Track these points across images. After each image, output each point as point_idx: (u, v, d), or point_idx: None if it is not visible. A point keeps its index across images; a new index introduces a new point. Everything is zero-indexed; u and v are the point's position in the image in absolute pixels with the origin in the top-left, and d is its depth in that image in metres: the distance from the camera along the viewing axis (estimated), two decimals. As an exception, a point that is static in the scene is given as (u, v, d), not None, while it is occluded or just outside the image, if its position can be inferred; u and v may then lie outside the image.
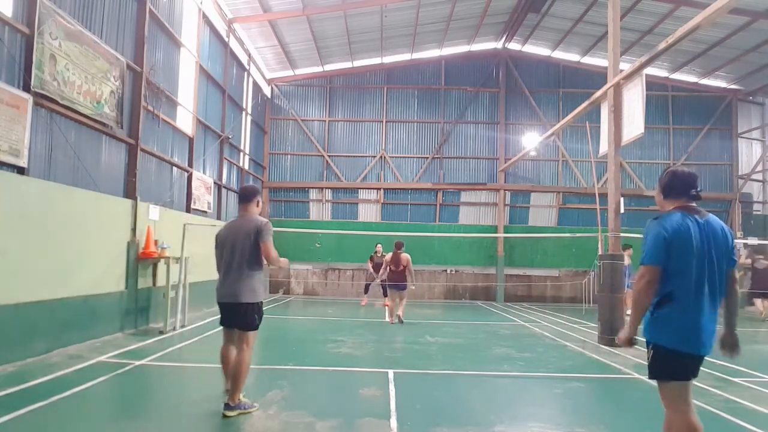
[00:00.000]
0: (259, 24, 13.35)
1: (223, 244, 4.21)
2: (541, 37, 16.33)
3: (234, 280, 4.08)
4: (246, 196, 4.29)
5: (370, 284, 13.46)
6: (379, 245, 13.20)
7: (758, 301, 13.07)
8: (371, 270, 13.16)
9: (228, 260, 4.13)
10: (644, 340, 2.86)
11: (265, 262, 4.18)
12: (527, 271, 16.67)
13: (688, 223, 2.79)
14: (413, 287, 10.70)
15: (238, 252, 4.08)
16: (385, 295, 12.85)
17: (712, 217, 2.89)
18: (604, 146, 9.11)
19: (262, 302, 4.19)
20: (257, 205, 4.30)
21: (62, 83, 6.34)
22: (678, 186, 2.94)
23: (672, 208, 2.93)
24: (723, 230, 2.86)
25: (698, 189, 2.92)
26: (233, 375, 4.04)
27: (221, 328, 4.33)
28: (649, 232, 2.85)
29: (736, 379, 5.70)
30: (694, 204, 2.90)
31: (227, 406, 3.97)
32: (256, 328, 4.16)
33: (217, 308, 4.32)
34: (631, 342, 2.89)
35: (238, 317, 4.09)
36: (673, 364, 2.77)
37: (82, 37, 6.69)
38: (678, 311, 2.74)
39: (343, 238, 16.00)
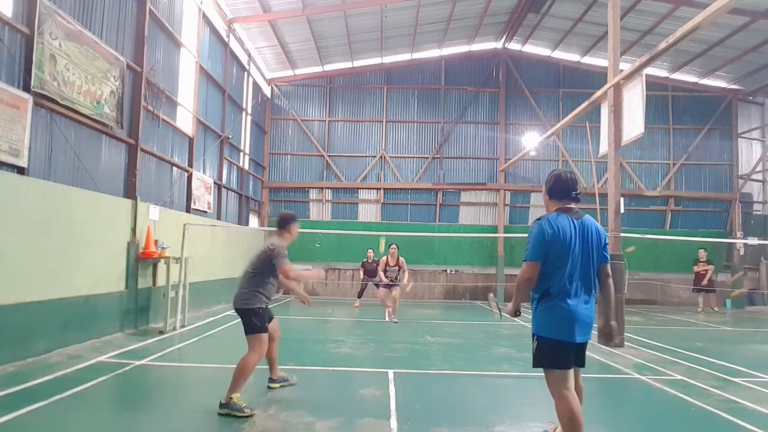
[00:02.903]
0: (259, 24, 13.35)
1: None
2: (541, 37, 16.32)
3: (238, 290, 4.47)
4: (279, 223, 4.74)
5: (364, 289, 13.48)
6: (370, 251, 13.16)
7: (701, 297, 14.40)
8: (363, 275, 13.19)
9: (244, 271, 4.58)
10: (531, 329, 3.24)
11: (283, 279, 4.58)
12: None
13: (565, 224, 3.15)
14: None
15: (250, 265, 4.50)
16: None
17: (587, 217, 3.28)
18: (604, 146, 9.11)
19: (257, 309, 4.37)
20: (290, 231, 4.71)
21: (62, 83, 6.34)
22: (559, 189, 3.29)
23: (555, 209, 3.28)
24: (597, 230, 3.26)
25: (577, 192, 3.28)
26: (235, 371, 4.18)
27: None
28: (532, 232, 3.19)
29: (736, 379, 5.70)
30: (572, 205, 3.27)
31: (220, 403, 4.05)
32: (253, 332, 4.33)
33: (216, 309, 4.42)
34: (516, 313, 3.36)
35: (241, 320, 4.39)
36: (554, 353, 3.11)
37: (82, 37, 6.70)
38: (555, 305, 3.09)
39: (343, 238, 15.99)
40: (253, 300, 4.35)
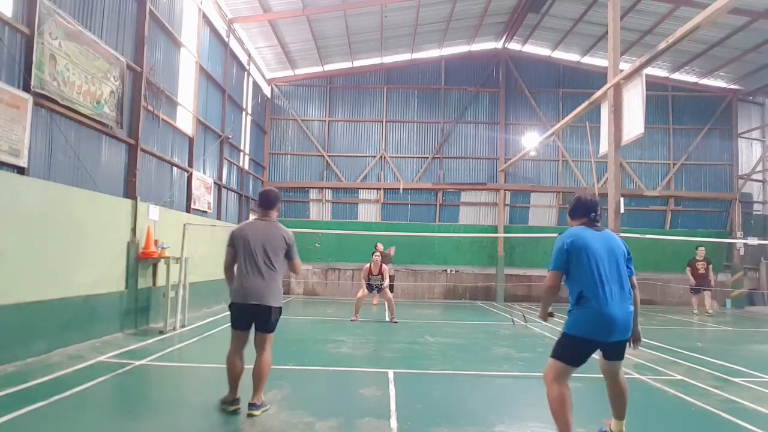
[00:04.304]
0: (259, 24, 13.35)
1: (245, 244, 4.14)
2: (541, 37, 16.33)
3: (261, 283, 4.08)
4: (269, 202, 4.33)
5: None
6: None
7: (706, 297, 13.67)
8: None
9: (252, 262, 4.10)
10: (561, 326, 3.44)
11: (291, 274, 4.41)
12: (527, 271, 16.64)
13: (586, 233, 3.41)
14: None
15: (267, 257, 4.12)
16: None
17: (607, 230, 3.55)
18: (604, 146, 9.11)
19: (281, 307, 4.26)
20: (277, 210, 4.38)
21: (62, 83, 6.34)
22: (580, 210, 3.58)
23: (577, 224, 3.57)
24: (619, 241, 3.51)
25: (597, 213, 3.53)
26: (259, 375, 4.05)
27: (233, 331, 4.18)
28: (555, 245, 3.45)
29: (736, 379, 5.70)
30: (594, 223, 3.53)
31: (253, 406, 3.99)
32: (273, 330, 4.22)
33: (216, 308, 4.36)
34: (548, 316, 3.73)
35: (262, 319, 4.10)
36: (577, 351, 3.32)
37: (82, 37, 6.69)
38: (591, 307, 3.26)
39: (343, 238, 15.99)
40: (280, 297, 4.21)
